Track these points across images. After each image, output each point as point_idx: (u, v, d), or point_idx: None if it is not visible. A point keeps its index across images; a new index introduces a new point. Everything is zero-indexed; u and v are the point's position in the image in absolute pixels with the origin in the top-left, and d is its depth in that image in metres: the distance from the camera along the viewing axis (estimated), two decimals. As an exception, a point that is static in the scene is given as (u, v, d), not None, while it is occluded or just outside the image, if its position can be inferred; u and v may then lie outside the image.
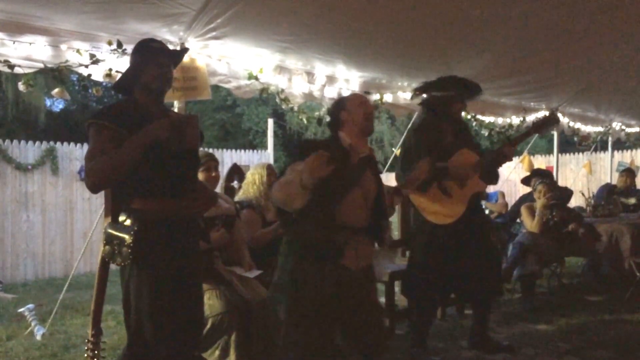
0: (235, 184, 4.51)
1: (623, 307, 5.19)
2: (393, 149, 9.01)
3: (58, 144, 8.24)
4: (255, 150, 11.87)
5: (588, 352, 3.99)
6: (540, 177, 5.74)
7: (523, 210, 5.75)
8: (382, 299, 4.80)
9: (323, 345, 2.70)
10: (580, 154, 12.20)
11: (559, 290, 5.96)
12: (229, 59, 4.56)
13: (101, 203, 2.88)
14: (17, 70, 3.63)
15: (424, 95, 3.97)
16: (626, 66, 6.09)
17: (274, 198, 2.66)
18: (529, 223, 5.58)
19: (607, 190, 7.27)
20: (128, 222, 2.35)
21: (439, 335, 4.36)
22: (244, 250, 3.76)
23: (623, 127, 9.49)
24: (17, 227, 7.73)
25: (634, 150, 11.89)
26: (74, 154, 8.32)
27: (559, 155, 9.18)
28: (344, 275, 2.73)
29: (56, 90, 4.01)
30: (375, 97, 5.73)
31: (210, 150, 7.49)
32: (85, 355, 2.78)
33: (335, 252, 2.70)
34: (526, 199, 6.30)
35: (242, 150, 11.05)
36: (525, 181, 5.93)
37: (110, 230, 2.40)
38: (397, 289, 4.90)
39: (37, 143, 8.06)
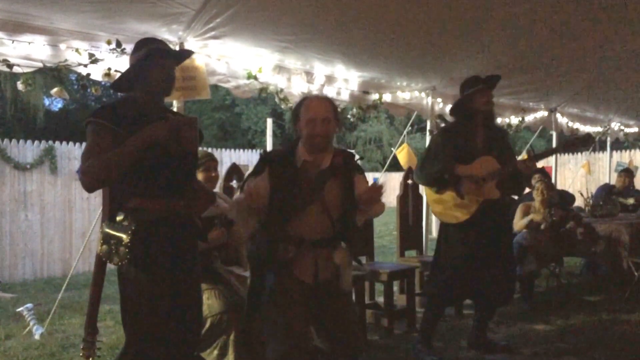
0: (234, 183, 4.50)
1: (621, 307, 5.20)
2: (392, 148, 9.00)
3: (57, 143, 8.23)
4: (254, 150, 11.87)
5: (586, 352, 3.99)
6: (539, 175, 5.74)
7: (518, 208, 5.76)
8: (381, 299, 4.82)
9: (297, 348, 2.54)
10: (579, 154, 12.23)
11: (557, 290, 5.96)
12: (228, 59, 4.56)
13: (100, 202, 2.88)
14: (16, 69, 3.62)
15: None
16: (625, 66, 6.10)
17: (231, 217, 2.65)
18: (515, 220, 5.60)
19: (606, 191, 7.27)
20: (126, 222, 2.35)
21: (438, 335, 4.35)
22: (243, 249, 3.76)
23: (622, 127, 9.51)
24: (16, 226, 7.72)
25: (632, 151, 11.91)
26: (72, 154, 8.31)
27: (558, 155, 9.18)
28: (298, 288, 2.61)
29: (55, 89, 4.00)
30: (374, 96, 5.74)
31: (209, 150, 7.48)
32: (81, 354, 2.78)
33: (284, 264, 2.59)
34: (524, 198, 6.30)
35: (241, 150, 11.07)
36: None
37: (107, 230, 2.39)
38: (395, 288, 4.91)
39: (36, 142, 8.05)
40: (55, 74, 3.76)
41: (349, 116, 6.00)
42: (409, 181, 5.27)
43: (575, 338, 4.30)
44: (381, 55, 5.18)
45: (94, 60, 3.82)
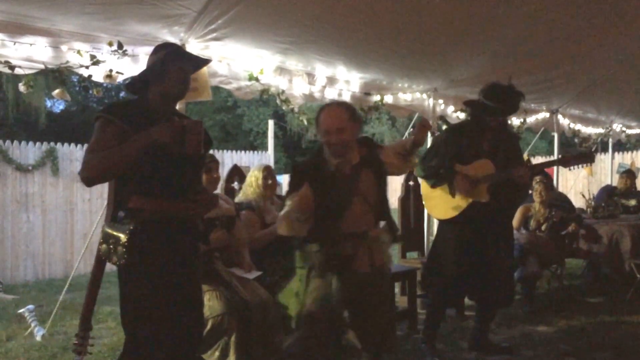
0: (235, 185, 4.51)
1: (623, 309, 5.18)
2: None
3: (58, 144, 8.23)
4: (255, 152, 11.88)
5: (588, 353, 3.99)
6: (540, 177, 5.73)
7: (518, 209, 5.76)
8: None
9: (318, 347, 2.74)
10: (580, 154, 12.18)
11: (559, 291, 5.95)
12: (230, 60, 4.56)
13: (102, 204, 2.89)
14: (18, 71, 3.63)
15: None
16: (627, 68, 6.09)
17: (281, 233, 2.74)
18: (514, 221, 5.60)
19: (608, 192, 7.26)
20: (125, 222, 2.35)
21: (439, 336, 4.34)
22: (244, 251, 3.77)
23: (624, 128, 9.50)
24: (17, 227, 7.72)
25: (634, 152, 11.89)
26: (74, 155, 8.32)
27: (560, 157, 9.15)
28: (356, 279, 2.78)
29: (57, 91, 4.00)
30: (375, 98, 5.74)
31: (211, 152, 7.48)
32: (73, 350, 2.78)
33: (343, 263, 2.76)
34: (525, 200, 6.29)
35: (243, 152, 11.06)
36: None
37: (107, 229, 2.40)
38: (397, 289, 4.91)
39: (38, 144, 8.06)
40: (56, 76, 3.76)
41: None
42: (411, 183, 5.27)
43: (577, 340, 4.30)
44: (382, 56, 5.19)
45: (95, 61, 3.82)
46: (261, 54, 4.68)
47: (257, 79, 4.72)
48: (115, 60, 3.89)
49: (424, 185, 3.96)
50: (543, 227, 5.58)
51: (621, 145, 11.12)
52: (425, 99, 6.20)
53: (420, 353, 3.88)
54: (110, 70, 3.89)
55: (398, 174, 3.20)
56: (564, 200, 6.42)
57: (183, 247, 2.46)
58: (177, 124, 2.33)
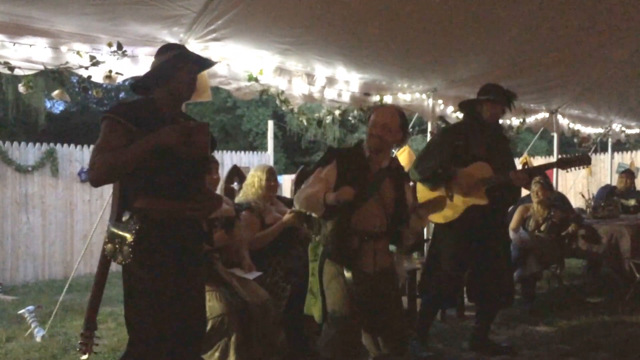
0: (235, 185, 4.51)
1: (623, 309, 5.18)
2: (393, 150, 9.00)
3: (58, 145, 8.22)
4: (255, 152, 11.87)
5: (588, 353, 3.99)
6: (538, 177, 5.73)
7: (517, 210, 5.77)
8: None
9: (354, 342, 2.88)
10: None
11: (559, 291, 5.95)
12: (229, 61, 4.56)
13: (101, 205, 2.90)
14: (17, 72, 3.63)
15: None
16: (626, 68, 6.09)
17: (297, 203, 2.94)
18: (512, 222, 5.62)
19: (607, 192, 7.27)
20: (131, 222, 2.36)
21: (439, 336, 4.36)
22: (244, 252, 3.77)
23: (623, 128, 9.50)
24: (17, 228, 7.71)
25: (634, 152, 11.89)
26: (74, 156, 8.31)
27: (559, 156, 9.15)
28: (362, 278, 2.89)
29: (56, 92, 4.01)
30: (375, 98, 5.74)
31: (210, 152, 7.47)
32: (78, 349, 2.79)
33: (350, 256, 2.87)
34: (524, 201, 6.30)
35: (242, 152, 11.04)
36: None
37: (112, 229, 2.41)
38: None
39: (37, 145, 8.05)
40: (56, 77, 3.76)
41: (349, 118, 6.01)
42: (411, 183, 5.26)
43: (577, 339, 4.29)
44: (382, 57, 5.18)
45: (95, 62, 3.82)
46: (261, 54, 4.68)
47: (256, 80, 4.72)
48: (114, 61, 3.89)
49: (419, 189, 3.94)
50: (542, 228, 5.58)
51: (621, 145, 11.10)
52: (424, 99, 6.20)
53: (412, 349, 3.90)
54: (110, 71, 3.89)
55: None
56: (562, 201, 6.43)
57: (188, 247, 2.47)
58: (184, 126, 2.34)
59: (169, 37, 4.04)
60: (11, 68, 3.57)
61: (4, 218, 7.60)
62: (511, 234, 5.57)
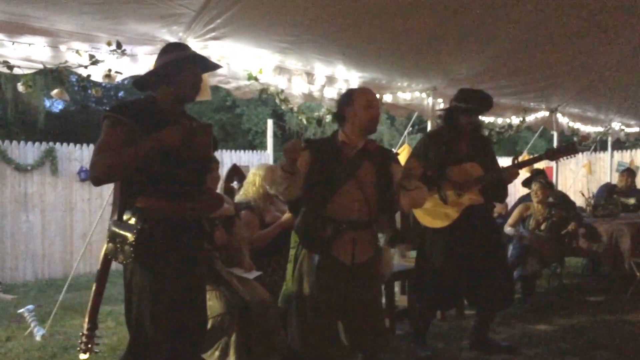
0: (235, 184, 4.50)
1: (623, 307, 5.19)
2: (393, 149, 8.99)
3: (57, 144, 8.21)
4: (254, 151, 11.85)
5: (588, 352, 3.98)
6: (538, 176, 5.74)
7: (517, 208, 5.77)
8: (382, 300, 4.81)
9: (325, 336, 2.79)
10: (580, 154, 12.19)
11: (559, 290, 5.95)
12: (229, 60, 4.56)
13: (101, 204, 2.90)
14: (17, 71, 3.62)
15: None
16: (626, 66, 6.09)
17: (268, 188, 2.88)
18: (510, 219, 5.62)
19: (607, 190, 7.26)
20: (132, 221, 2.35)
21: (440, 335, 4.35)
22: (244, 251, 3.76)
23: (623, 127, 9.50)
24: (17, 227, 7.71)
25: (633, 150, 11.89)
26: (73, 155, 8.29)
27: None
28: (338, 268, 2.77)
29: (55, 91, 4.00)
30: (375, 97, 5.73)
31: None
32: (78, 348, 2.79)
33: (321, 244, 2.74)
34: (525, 199, 6.30)
35: (242, 151, 11.03)
36: (526, 183, 5.90)
37: (114, 228, 2.40)
38: (396, 289, 4.91)
39: (37, 144, 8.04)
40: (55, 76, 3.76)
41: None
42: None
43: (577, 338, 4.29)
44: (382, 56, 5.18)
45: (94, 61, 3.82)
46: (260, 53, 4.67)
47: (256, 79, 4.72)
48: (114, 60, 3.89)
49: None
50: (542, 226, 5.58)
51: (620, 144, 11.10)
52: (424, 98, 6.19)
53: (411, 349, 3.93)
54: (109, 70, 3.89)
55: None
56: (564, 200, 6.42)
57: (189, 247, 2.46)
58: (187, 126, 2.33)
59: (168, 36, 4.04)
60: (10, 67, 3.57)
61: (4, 217, 7.59)
62: (509, 230, 5.58)
